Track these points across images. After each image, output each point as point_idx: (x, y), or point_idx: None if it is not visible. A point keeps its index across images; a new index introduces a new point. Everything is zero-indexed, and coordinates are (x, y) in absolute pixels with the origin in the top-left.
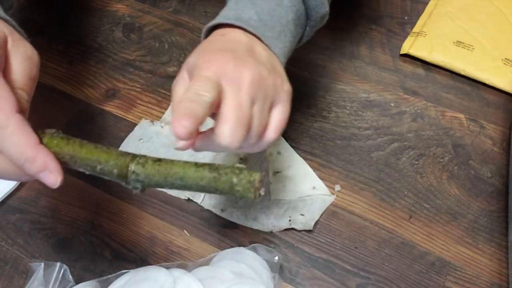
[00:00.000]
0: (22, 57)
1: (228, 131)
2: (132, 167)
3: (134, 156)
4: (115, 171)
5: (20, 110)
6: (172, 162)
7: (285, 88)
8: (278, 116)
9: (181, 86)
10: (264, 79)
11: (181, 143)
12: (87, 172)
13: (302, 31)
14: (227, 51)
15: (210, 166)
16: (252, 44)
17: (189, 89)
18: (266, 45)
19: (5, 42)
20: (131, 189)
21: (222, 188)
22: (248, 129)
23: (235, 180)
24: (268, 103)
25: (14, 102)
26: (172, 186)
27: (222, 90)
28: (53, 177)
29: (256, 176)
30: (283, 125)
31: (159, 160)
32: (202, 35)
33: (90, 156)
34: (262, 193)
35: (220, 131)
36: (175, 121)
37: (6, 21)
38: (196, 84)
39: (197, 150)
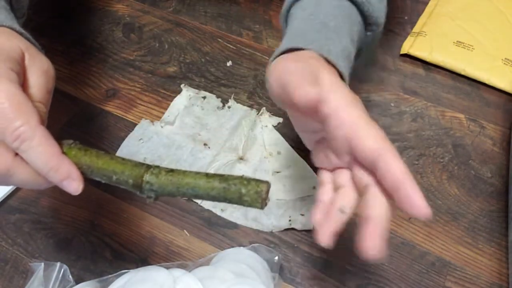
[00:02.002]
0: (39, 71)
1: None
2: (147, 177)
3: (148, 167)
4: (130, 181)
5: (41, 123)
6: (184, 172)
7: None
8: None
9: None
10: None
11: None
12: (103, 181)
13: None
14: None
15: (220, 177)
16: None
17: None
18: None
19: (23, 58)
20: (145, 198)
21: (231, 198)
22: None
23: (243, 190)
24: None
25: (38, 114)
26: (184, 195)
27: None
28: (75, 185)
29: (263, 187)
30: None
31: (171, 170)
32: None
33: (107, 167)
34: (268, 202)
35: None
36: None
37: (21, 34)
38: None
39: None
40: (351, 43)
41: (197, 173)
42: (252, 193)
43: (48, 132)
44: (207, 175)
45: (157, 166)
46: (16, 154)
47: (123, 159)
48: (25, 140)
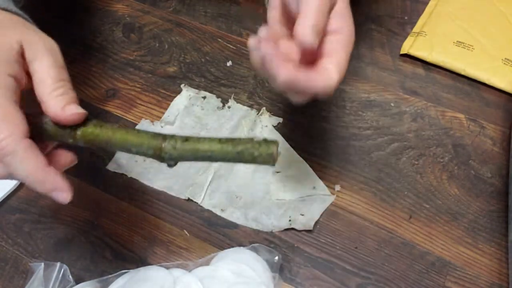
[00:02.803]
0: (44, 55)
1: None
2: (165, 147)
3: (164, 137)
4: (150, 151)
5: (74, 101)
6: (198, 140)
7: None
8: None
9: None
10: None
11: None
12: (124, 152)
13: None
14: None
15: (233, 142)
16: None
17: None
18: None
19: (22, 51)
20: (166, 164)
21: (246, 161)
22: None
23: (256, 153)
24: None
25: (25, 126)
26: (202, 160)
27: None
28: (63, 196)
29: (274, 149)
30: None
31: (187, 139)
32: None
33: (124, 141)
34: (279, 156)
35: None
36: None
37: (19, 15)
38: None
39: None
40: None
41: (211, 139)
42: (264, 155)
43: (32, 143)
44: (220, 140)
45: (173, 136)
46: None
47: (139, 131)
48: (7, 155)
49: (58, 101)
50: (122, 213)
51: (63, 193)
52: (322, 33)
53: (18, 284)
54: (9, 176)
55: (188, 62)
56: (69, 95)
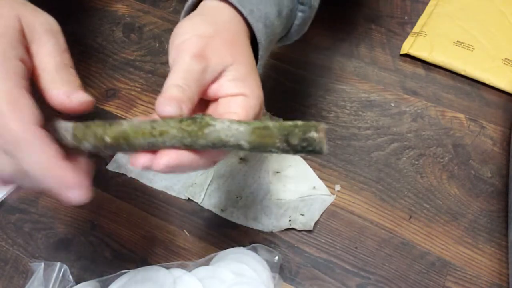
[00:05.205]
0: (45, 37)
1: None
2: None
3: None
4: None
5: (80, 88)
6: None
7: None
8: None
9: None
10: None
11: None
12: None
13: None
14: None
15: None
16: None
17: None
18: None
19: (22, 31)
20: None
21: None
22: None
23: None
24: None
25: (37, 114)
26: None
27: None
28: (80, 194)
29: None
30: None
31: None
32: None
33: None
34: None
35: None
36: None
37: None
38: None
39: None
40: (277, 15)
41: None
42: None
43: (47, 134)
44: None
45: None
46: None
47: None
48: (15, 143)
49: (63, 88)
50: (122, 213)
51: (80, 191)
52: (193, 96)
53: (18, 284)
54: (18, 175)
55: None
56: (75, 81)
